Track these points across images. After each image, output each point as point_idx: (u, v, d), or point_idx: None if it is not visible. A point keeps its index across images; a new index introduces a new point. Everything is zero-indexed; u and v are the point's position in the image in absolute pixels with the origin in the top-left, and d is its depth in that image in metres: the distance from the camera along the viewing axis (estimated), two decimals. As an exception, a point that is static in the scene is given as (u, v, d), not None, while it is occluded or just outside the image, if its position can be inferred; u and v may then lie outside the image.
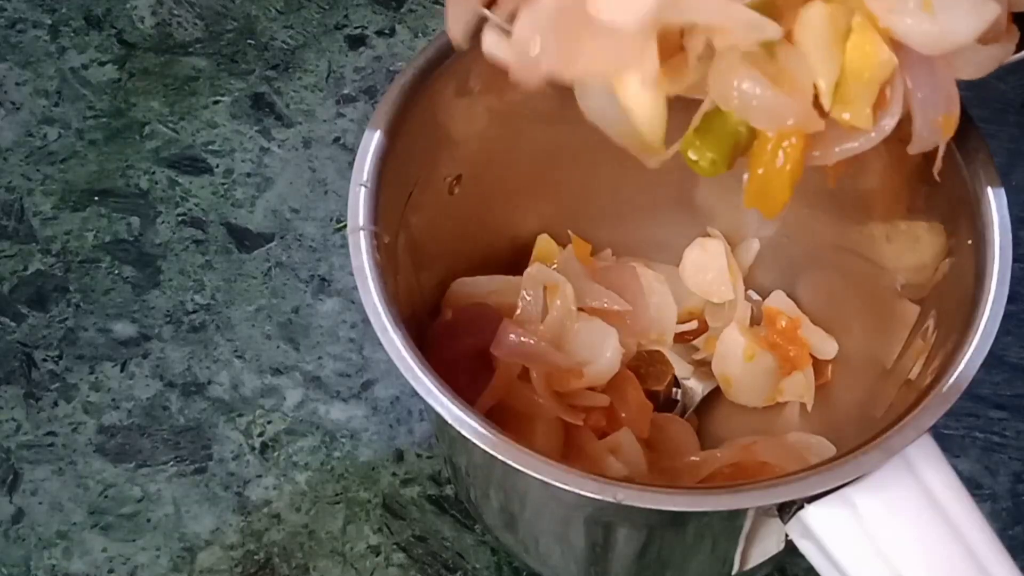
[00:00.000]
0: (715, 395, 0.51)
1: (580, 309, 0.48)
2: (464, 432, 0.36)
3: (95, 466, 0.53)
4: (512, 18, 0.34)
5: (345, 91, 0.63)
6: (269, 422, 0.54)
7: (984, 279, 0.39)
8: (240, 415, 0.54)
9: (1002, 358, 0.55)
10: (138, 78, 0.64)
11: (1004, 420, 0.54)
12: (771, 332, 0.50)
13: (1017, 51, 0.34)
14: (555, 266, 0.50)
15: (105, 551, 0.51)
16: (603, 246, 0.53)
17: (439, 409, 0.37)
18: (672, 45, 0.34)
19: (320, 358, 0.55)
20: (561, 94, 0.48)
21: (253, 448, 0.53)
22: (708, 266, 0.51)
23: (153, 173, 0.60)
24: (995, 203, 0.40)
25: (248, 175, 0.60)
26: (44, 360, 0.55)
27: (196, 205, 0.60)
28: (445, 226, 0.50)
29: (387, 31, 0.65)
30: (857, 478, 0.36)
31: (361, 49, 0.65)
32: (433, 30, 0.65)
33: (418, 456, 0.53)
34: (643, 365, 0.50)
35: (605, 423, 0.47)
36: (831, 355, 0.50)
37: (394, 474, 0.52)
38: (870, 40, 0.33)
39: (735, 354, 0.49)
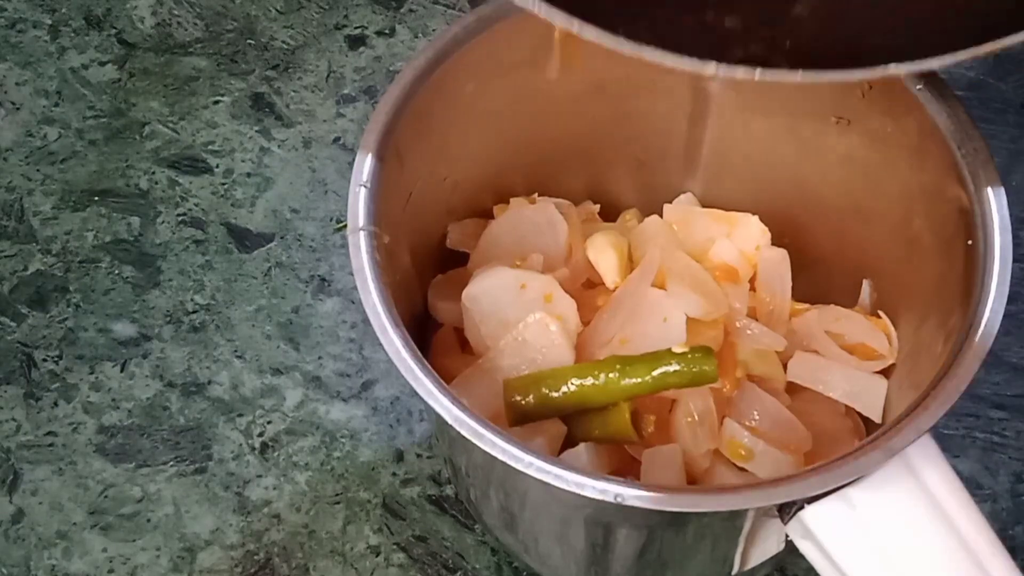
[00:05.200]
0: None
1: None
2: (464, 432, 0.36)
3: (95, 466, 0.53)
4: None
5: (345, 91, 0.63)
6: (269, 422, 0.54)
7: (984, 279, 0.39)
8: (240, 415, 0.54)
9: (1002, 358, 0.55)
10: (138, 78, 0.64)
11: (1004, 420, 0.54)
12: None
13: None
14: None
15: (105, 551, 0.51)
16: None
17: (439, 409, 0.37)
18: None
19: (320, 358, 0.55)
20: (561, 95, 0.48)
21: (253, 448, 0.53)
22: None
23: (153, 173, 0.60)
24: (995, 203, 0.40)
25: (248, 175, 0.60)
26: (44, 360, 0.55)
27: (196, 205, 0.60)
28: (445, 224, 0.50)
29: (387, 31, 0.65)
30: (857, 478, 0.36)
31: (361, 49, 0.65)
32: (433, 30, 0.65)
33: (418, 456, 0.53)
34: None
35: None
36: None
37: (394, 474, 0.52)
38: None
39: None
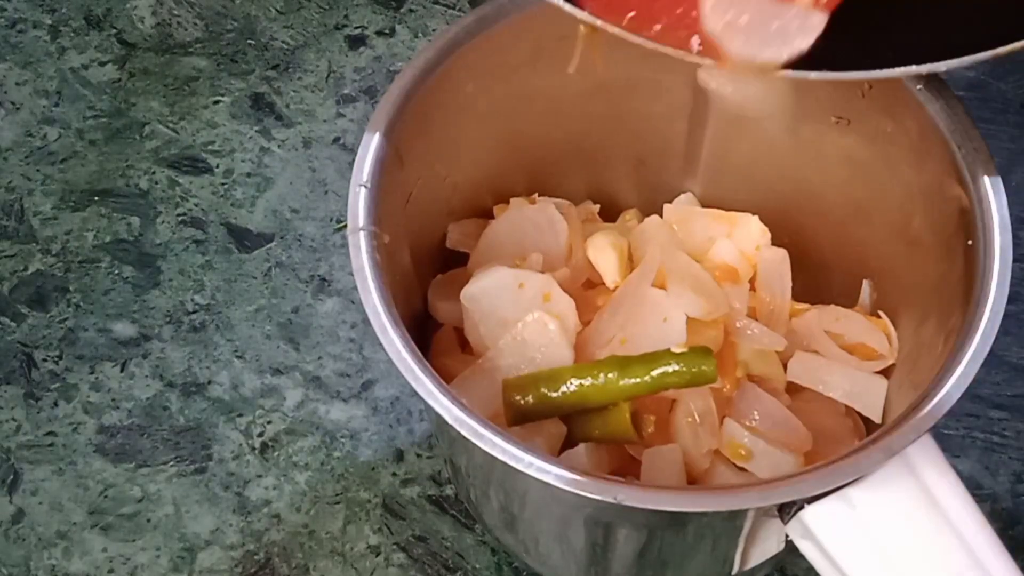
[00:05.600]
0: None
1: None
2: (464, 432, 0.36)
3: (95, 466, 0.53)
4: None
5: (345, 91, 0.63)
6: (269, 422, 0.54)
7: (984, 279, 0.39)
8: (240, 415, 0.54)
9: (1002, 358, 0.55)
10: (138, 78, 0.64)
11: (1004, 420, 0.54)
12: None
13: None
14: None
15: (105, 551, 0.51)
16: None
17: (439, 409, 0.37)
18: None
19: (320, 358, 0.55)
20: (561, 95, 0.48)
21: (253, 448, 0.53)
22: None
23: (153, 173, 0.60)
24: (995, 203, 0.40)
25: (248, 175, 0.60)
26: (44, 360, 0.55)
27: (196, 205, 0.60)
28: (445, 224, 0.50)
29: (387, 31, 0.65)
30: (858, 478, 0.36)
31: (361, 49, 0.65)
32: (433, 30, 0.65)
33: (418, 456, 0.53)
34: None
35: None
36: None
37: (394, 474, 0.52)
38: None
39: None
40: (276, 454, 0.53)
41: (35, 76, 0.64)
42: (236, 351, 0.55)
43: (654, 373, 0.42)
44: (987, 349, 0.38)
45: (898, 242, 0.46)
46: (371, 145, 0.42)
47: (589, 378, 0.43)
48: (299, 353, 0.55)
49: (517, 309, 0.45)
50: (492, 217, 0.50)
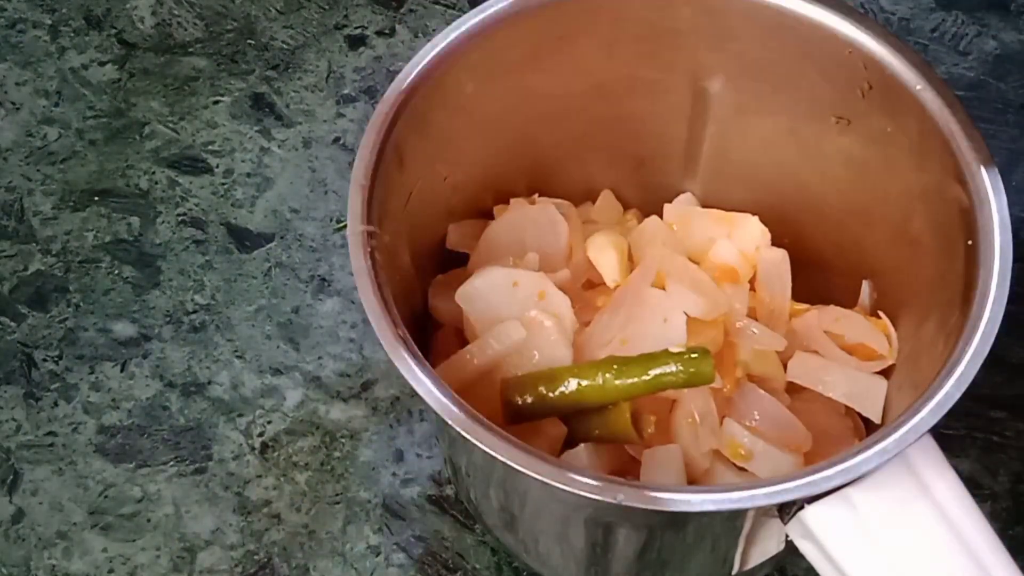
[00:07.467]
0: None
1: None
2: (464, 432, 0.36)
3: (95, 466, 0.53)
4: None
5: (345, 91, 0.63)
6: (269, 422, 0.54)
7: (984, 279, 0.39)
8: (240, 415, 0.54)
9: (1002, 358, 0.55)
10: (138, 78, 0.64)
11: (1004, 420, 0.54)
12: None
13: None
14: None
15: (105, 551, 0.51)
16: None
17: (439, 409, 0.37)
18: None
19: (320, 358, 0.55)
20: (561, 95, 0.48)
21: (253, 448, 0.53)
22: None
23: (153, 173, 0.60)
24: (995, 203, 0.40)
25: (248, 175, 0.60)
26: (44, 360, 0.55)
27: (196, 205, 0.60)
28: (445, 224, 0.50)
29: (387, 31, 0.65)
30: (857, 478, 0.36)
31: (361, 49, 0.65)
32: (433, 30, 0.65)
33: (418, 456, 0.53)
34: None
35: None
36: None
37: (394, 474, 0.52)
38: None
39: None
40: (276, 454, 0.53)
41: (35, 76, 0.64)
42: (236, 351, 0.55)
43: (652, 373, 0.42)
44: (987, 349, 0.38)
45: (898, 242, 0.46)
46: (371, 145, 0.42)
47: (587, 378, 0.43)
48: (299, 353, 0.55)
49: (512, 308, 0.45)
50: (492, 217, 0.50)
